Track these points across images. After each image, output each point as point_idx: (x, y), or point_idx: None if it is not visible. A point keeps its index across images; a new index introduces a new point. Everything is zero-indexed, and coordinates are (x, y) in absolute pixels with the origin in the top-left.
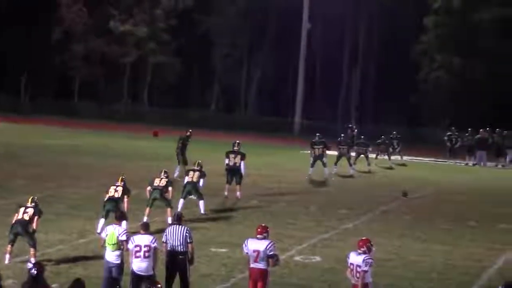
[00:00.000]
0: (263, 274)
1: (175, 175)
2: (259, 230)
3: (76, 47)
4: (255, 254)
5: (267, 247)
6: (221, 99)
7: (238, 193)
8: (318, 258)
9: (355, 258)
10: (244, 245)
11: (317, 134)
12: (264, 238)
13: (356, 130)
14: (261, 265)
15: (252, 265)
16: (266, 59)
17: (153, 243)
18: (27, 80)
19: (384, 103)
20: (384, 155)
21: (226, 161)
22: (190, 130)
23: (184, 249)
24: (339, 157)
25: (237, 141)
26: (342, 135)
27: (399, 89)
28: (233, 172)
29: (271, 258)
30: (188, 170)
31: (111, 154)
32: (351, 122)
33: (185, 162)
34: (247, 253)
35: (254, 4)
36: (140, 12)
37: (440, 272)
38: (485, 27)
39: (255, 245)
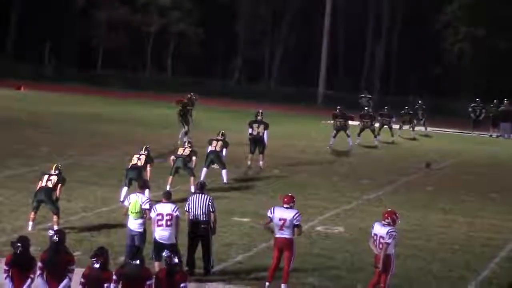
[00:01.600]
0: (289, 243)
1: (184, 139)
2: (286, 199)
3: (99, 16)
4: (281, 222)
5: (294, 217)
6: (244, 69)
7: (261, 162)
8: (340, 229)
9: (379, 229)
10: (269, 212)
11: (338, 107)
12: (291, 207)
13: (370, 101)
14: (286, 234)
15: (277, 234)
16: (290, 30)
17: (175, 212)
18: (50, 48)
19: (408, 75)
20: (408, 126)
21: (250, 130)
22: (191, 93)
23: (207, 218)
24: (362, 129)
25: (260, 111)
26: (366, 108)
27: (422, 61)
28: (256, 142)
29: (296, 227)
30: (211, 140)
31: (134, 123)
32: (364, 92)
33: (187, 123)
34: (270, 219)
35: None
36: None
37: (462, 243)
38: None
39: (282, 213)
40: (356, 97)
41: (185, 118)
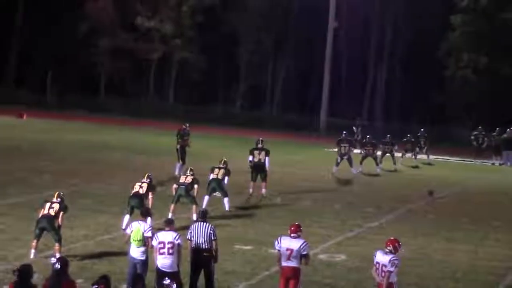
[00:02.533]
0: (296, 272)
1: (176, 172)
2: (292, 228)
3: (102, 43)
4: (288, 252)
5: (301, 246)
6: (246, 96)
7: (263, 190)
8: (343, 257)
9: (381, 257)
10: (276, 242)
11: (344, 132)
12: (298, 237)
13: (359, 128)
14: (293, 264)
15: (284, 264)
16: (292, 57)
17: (177, 240)
18: (53, 75)
19: (410, 102)
20: (410, 154)
21: (250, 158)
22: (187, 124)
23: (209, 246)
24: (364, 157)
25: (261, 139)
26: (368, 136)
27: (424, 88)
28: (258, 169)
29: (304, 257)
30: (213, 167)
31: (136, 150)
32: (358, 118)
33: (183, 160)
34: (278, 250)
35: (279, 1)
36: (166, 9)
37: (464, 272)
38: None
39: (289, 243)
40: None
41: (182, 152)
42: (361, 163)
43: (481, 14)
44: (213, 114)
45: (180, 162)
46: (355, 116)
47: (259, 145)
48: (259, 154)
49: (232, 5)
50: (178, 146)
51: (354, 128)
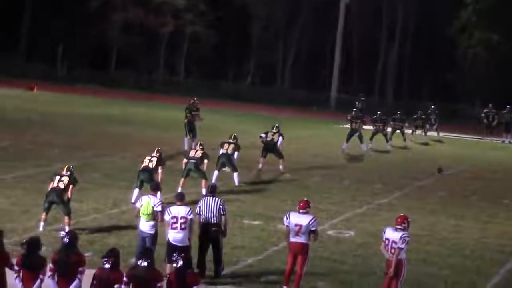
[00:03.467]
0: (304, 248)
1: (185, 147)
2: (301, 204)
3: (113, 16)
4: (296, 228)
5: (310, 222)
6: (257, 72)
7: (281, 166)
8: (351, 233)
9: (392, 234)
10: (285, 218)
11: (354, 109)
12: (307, 212)
13: (363, 103)
14: (302, 239)
15: (292, 239)
16: (303, 33)
17: (189, 215)
18: (64, 49)
19: (420, 79)
20: (420, 131)
21: (263, 135)
22: (195, 98)
23: (217, 220)
24: (374, 133)
25: (276, 125)
26: (378, 112)
27: (436, 66)
28: (269, 147)
29: (313, 233)
30: (223, 142)
31: (147, 124)
32: (363, 94)
33: (194, 135)
34: (287, 226)
35: None
36: None
37: (473, 249)
38: None
39: (298, 219)
40: (370, 101)
41: (191, 126)
42: (371, 139)
43: None
44: (224, 89)
45: (188, 136)
46: (359, 93)
47: (274, 130)
48: (273, 135)
49: None
50: (186, 121)
51: (357, 103)
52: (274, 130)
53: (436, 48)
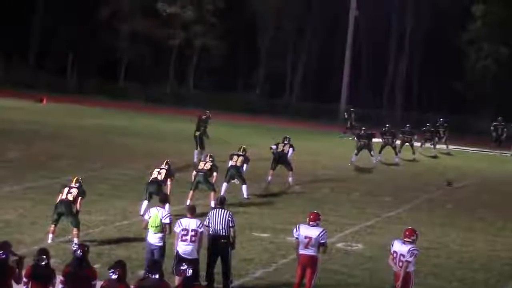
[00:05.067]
0: (313, 260)
1: (194, 159)
2: (311, 217)
3: (123, 28)
4: (306, 240)
5: (320, 235)
6: (266, 83)
7: (290, 179)
8: (360, 246)
9: (400, 247)
10: (295, 230)
11: (363, 128)
12: (317, 225)
13: (353, 115)
14: (311, 252)
15: (302, 251)
16: (312, 45)
17: (200, 228)
18: (73, 60)
19: (430, 91)
20: (430, 144)
21: (274, 146)
22: (208, 112)
23: (226, 233)
24: (383, 146)
25: (287, 136)
26: (387, 125)
27: (444, 77)
28: (280, 159)
29: (322, 246)
30: (232, 155)
31: (155, 136)
32: (352, 106)
33: (202, 147)
34: (297, 238)
35: None
36: None
37: (482, 262)
38: None
39: (307, 231)
40: (378, 112)
41: (202, 142)
42: (380, 152)
43: (502, 4)
44: (233, 101)
45: (198, 149)
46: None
47: (285, 141)
48: (283, 146)
49: None
50: (197, 133)
51: (345, 114)
52: (285, 142)
53: (446, 61)
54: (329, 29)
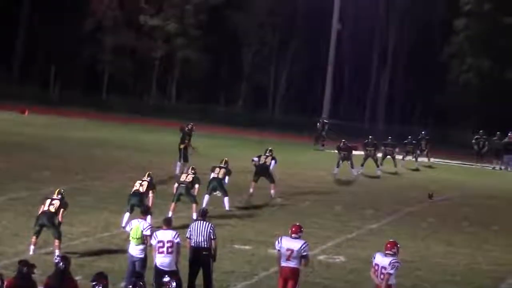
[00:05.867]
0: (295, 273)
1: (177, 171)
2: (294, 229)
3: (105, 40)
4: (288, 252)
5: (302, 247)
6: (248, 96)
7: (272, 191)
8: (342, 258)
9: (381, 260)
10: (277, 242)
11: (343, 140)
12: (299, 237)
13: (325, 125)
14: (293, 264)
15: (283, 264)
16: (295, 58)
17: (176, 239)
18: (56, 72)
19: (412, 104)
20: (411, 156)
21: (256, 159)
22: (192, 124)
23: (208, 245)
24: (366, 158)
25: (270, 148)
26: (370, 136)
27: (427, 90)
28: (262, 171)
29: (304, 258)
30: (214, 167)
31: (138, 148)
32: (322, 117)
33: (186, 159)
34: (279, 250)
35: (283, 2)
36: (170, 7)
37: (463, 275)
38: None
39: (289, 243)
40: (361, 125)
41: (186, 154)
42: (362, 164)
43: (484, 18)
44: (215, 113)
45: (181, 161)
46: (320, 119)
47: (267, 153)
48: (266, 158)
49: (236, 5)
50: (182, 146)
51: (318, 124)
52: (267, 154)
53: (428, 74)
54: (312, 42)
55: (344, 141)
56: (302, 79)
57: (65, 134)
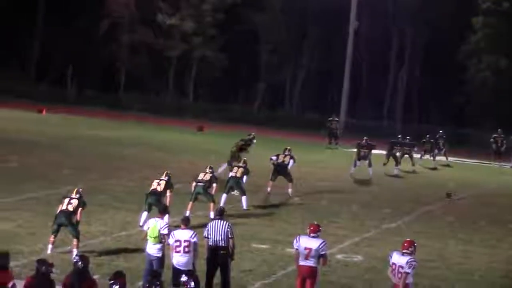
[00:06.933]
0: (313, 272)
1: (219, 171)
2: (312, 228)
3: (122, 39)
4: (306, 251)
5: (320, 246)
6: (266, 95)
7: (290, 190)
8: (359, 257)
9: (398, 259)
10: (295, 241)
11: (365, 137)
12: (317, 236)
13: (337, 124)
14: (311, 263)
15: (301, 263)
16: (312, 57)
17: (193, 238)
18: (73, 71)
19: (429, 103)
20: (429, 155)
21: (274, 157)
22: (253, 133)
23: (226, 244)
24: (401, 156)
25: (288, 148)
26: (399, 136)
27: (444, 89)
28: (280, 170)
29: (322, 257)
30: (233, 166)
31: (155, 147)
32: (333, 115)
33: (230, 163)
34: (297, 249)
35: (301, 1)
36: (187, 6)
37: (482, 274)
38: None
39: (307, 242)
40: (379, 124)
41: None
42: (398, 163)
43: (502, 16)
44: (233, 112)
45: (229, 164)
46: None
47: (286, 152)
48: (284, 157)
49: (254, 4)
50: (233, 149)
51: (328, 123)
52: (285, 153)
53: (446, 73)
54: (329, 41)
55: (366, 139)
56: (319, 77)
57: (82, 133)
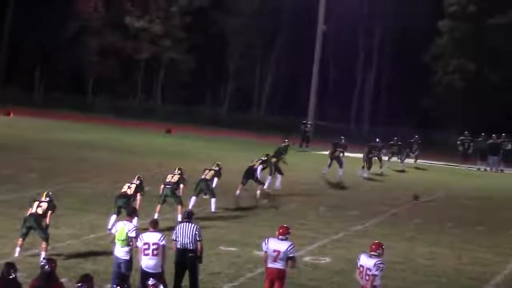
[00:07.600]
0: (282, 274)
1: (277, 184)
2: (281, 230)
3: (90, 42)
4: (275, 254)
5: (288, 248)
6: (234, 98)
7: (258, 191)
8: (327, 259)
9: (366, 261)
10: (264, 244)
11: (342, 137)
12: (286, 239)
13: (309, 128)
14: (279, 265)
15: (270, 265)
16: (280, 59)
17: (162, 241)
18: (41, 73)
19: (397, 105)
20: (397, 158)
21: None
22: (287, 141)
23: (194, 247)
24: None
25: (268, 153)
26: (377, 139)
27: (411, 92)
28: (249, 174)
29: (290, 260)
30: (205, 169)
31: (123, 150)
32: (306, 119)
33: (280, 172)
34: (266, 251)
35: (269, 4)
36: (155, 9)
37: (449, 276)
38: (500, 32)
39: (276, 245)
40: (346, 127)
41: (277, 167)
42: (368, 168)
43: (469, 20)
44: (201, 115)
45: (273, 174)
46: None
47: (263, 158)
48: (257, 161)
49: (222, 7)
50: (274, 160)
51: (302, 126)
52: (262, 158)
53: (413, 75)
54: (297, 44)
55: (342, 138)
56: (287, 80)
57: (51, 136)
